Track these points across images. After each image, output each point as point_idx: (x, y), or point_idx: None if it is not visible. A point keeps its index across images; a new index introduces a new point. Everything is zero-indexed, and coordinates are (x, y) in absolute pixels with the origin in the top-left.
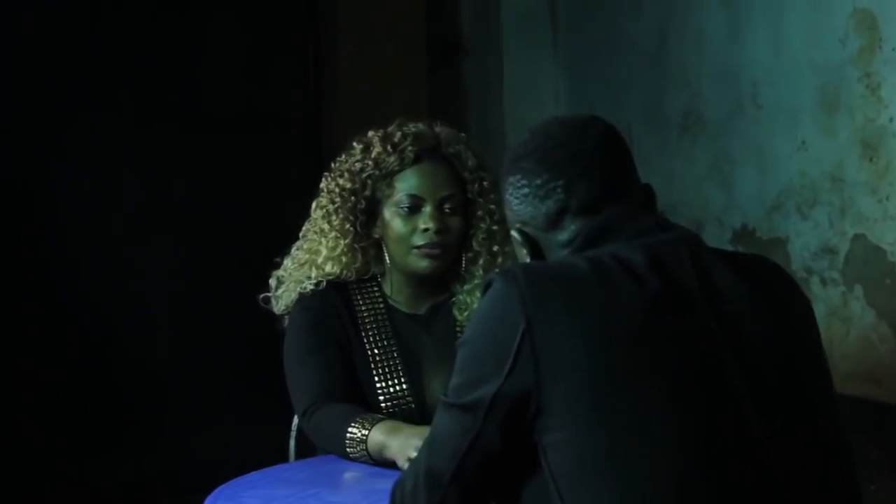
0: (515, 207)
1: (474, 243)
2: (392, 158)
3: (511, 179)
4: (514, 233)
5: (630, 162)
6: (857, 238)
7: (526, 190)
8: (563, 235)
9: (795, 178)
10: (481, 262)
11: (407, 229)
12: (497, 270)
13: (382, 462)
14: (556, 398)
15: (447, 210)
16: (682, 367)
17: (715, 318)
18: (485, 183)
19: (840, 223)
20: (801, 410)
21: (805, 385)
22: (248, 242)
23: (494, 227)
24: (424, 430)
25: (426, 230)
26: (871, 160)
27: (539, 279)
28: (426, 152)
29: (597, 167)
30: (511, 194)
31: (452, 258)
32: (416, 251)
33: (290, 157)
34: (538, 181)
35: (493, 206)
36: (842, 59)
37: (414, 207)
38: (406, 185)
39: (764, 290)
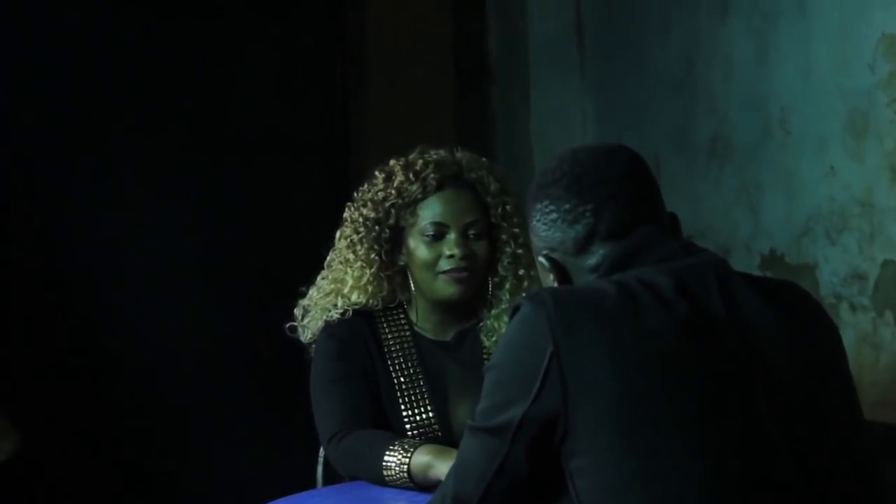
0: (543, 233)
1: (500, 268)
2: (415, 186)
3: (539, 206)
4: (541, 259)
5: (656, 190)
6: (887, 264)
7: (554, 215)
8: (591, 260)
9: (824, 204)
10: (507, 286)
11: (432, 256)
12: (524, 294)
13: (423, 484)
14: (583, 422)
15: (472, 236)
16: (710, 392)
17: (742, 343)
18: (508, 207)
19: (869, 249)
20: (829, 436)
21: (833, 411)
22: (275, 269)
23: (519, 251)
24: None
25: (452, 256)
26: None
27: (567, 303)
28: (448, 179)
29: (625, 193)
30: (539, 220)
31: (479, 284)
32: (442, 276)
33: (318, 184)
34: (567, 206)
35: (517, 230)
36: (870, 84)
37: (438, 234)
38: (430, 212)
39: (791, 315)
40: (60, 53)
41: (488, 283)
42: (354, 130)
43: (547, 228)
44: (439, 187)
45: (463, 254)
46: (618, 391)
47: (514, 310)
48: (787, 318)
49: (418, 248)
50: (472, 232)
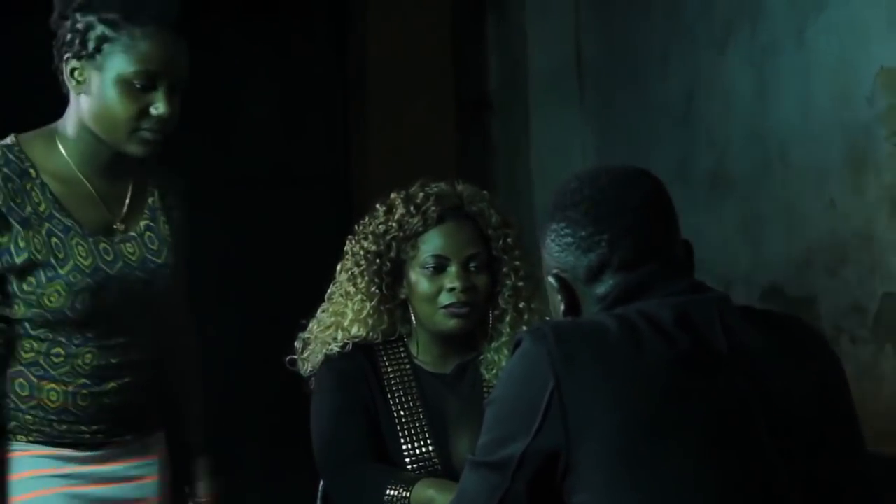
0: (556, 254)
1: (500, 301)
2: (415, 219)
3: (555, 226)
4: (550, 279)
5: (674, 219)
6: (887, 296)
7: (570, 239)
8: (600, 289)
9: (824, 237)
10: (508, 319)
11: (433, 289)
12: (526, 328)
13: None
14: (585, 457)
15: (472, 268)
16: (712, 425)
17: (744, 377)
18: (509, 240)
19: (869, 282)
20: (832, 470)
21: (837, 445)
22: (277, 301)
23: (520, 284)
24: None
25: (452, 289)
26: None
27: (568, 337)
28: (449, 212)
29: (641, 225)
30: (553, 241)
31: (480, 317)
32: (443, 311)
33: (320, 216)
34: (583, 233)
35: (517, 263)
36: (869, 117)
37: (439, 267)
38: (430, 245)
39: (794, 349)
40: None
41: (489, 316)
42: (356, 163)
43: (560, 251)
44: (440, 220)
45: (464, 287)
46: (619, 426)
47: (516, 344)
48: (789, 352)
49: (419, 281)
50: (473, 265)
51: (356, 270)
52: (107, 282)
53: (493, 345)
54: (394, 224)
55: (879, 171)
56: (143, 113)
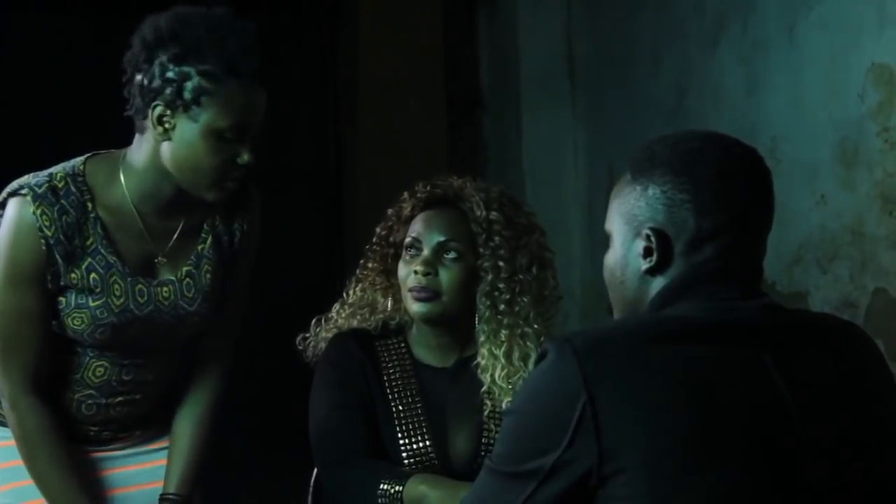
0: (660, 206)
1: (477, 299)
2: (406, 205)
3: (670, 178)
4: (646, 231)
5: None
6: (878, 292)
7: (687, 196)
8: (696, 257)
9: (815, 233)
10: (486, 317)
11: (405, 272)
12: (549, 338)
13: None
14: (623, 469)
15: (447, 258)
16: (752, 441)
17: (789, 392)
18: (496, 238)
19: (860, 277)
20: (876, 479)
21: (882, 460)
22: (269, 296)
23: (500, 286)
24: (464, 485)
25: (416, 272)
26: (890, 214)
27: (601, 351)
28: (436, 199)
29: (756, 215)
30: (664, 192)
31: (453, 307)
32: (408, 294)
33: (310, 212)
34: (706, 195)
35: (501, 264)
36: (860, 113)
37: (414, 250)
38: (411, 228)
39: (846, 365)
40: (53, 99)
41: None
42: (347, 161)
43: (671, 205)
44: (426, 206)
45: (425, 271)
46: (656, 439)
47: (540, 355)
48: (839, 366)
49: (399, 263)
50: (448, 254)
51: (370, 253)
52: (131, 321)
53: (479, 341)
54: (394, 210)
55: (870, 166)
56: (229, 162)
